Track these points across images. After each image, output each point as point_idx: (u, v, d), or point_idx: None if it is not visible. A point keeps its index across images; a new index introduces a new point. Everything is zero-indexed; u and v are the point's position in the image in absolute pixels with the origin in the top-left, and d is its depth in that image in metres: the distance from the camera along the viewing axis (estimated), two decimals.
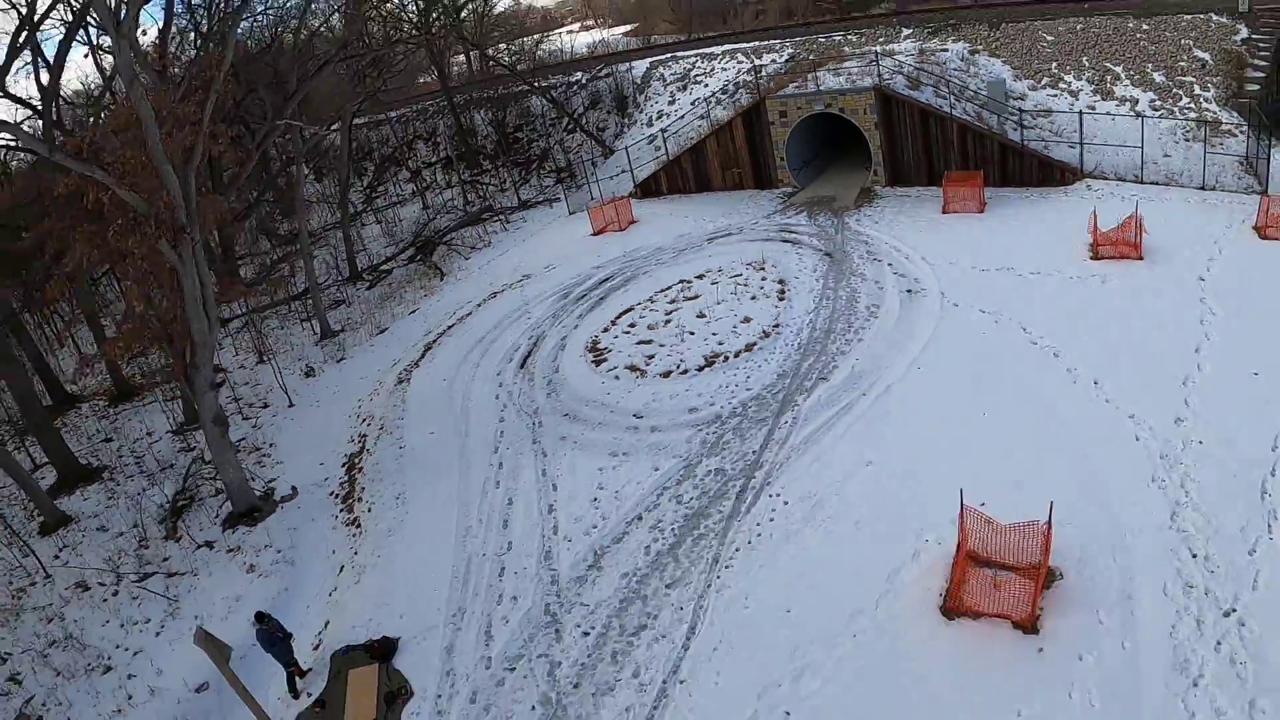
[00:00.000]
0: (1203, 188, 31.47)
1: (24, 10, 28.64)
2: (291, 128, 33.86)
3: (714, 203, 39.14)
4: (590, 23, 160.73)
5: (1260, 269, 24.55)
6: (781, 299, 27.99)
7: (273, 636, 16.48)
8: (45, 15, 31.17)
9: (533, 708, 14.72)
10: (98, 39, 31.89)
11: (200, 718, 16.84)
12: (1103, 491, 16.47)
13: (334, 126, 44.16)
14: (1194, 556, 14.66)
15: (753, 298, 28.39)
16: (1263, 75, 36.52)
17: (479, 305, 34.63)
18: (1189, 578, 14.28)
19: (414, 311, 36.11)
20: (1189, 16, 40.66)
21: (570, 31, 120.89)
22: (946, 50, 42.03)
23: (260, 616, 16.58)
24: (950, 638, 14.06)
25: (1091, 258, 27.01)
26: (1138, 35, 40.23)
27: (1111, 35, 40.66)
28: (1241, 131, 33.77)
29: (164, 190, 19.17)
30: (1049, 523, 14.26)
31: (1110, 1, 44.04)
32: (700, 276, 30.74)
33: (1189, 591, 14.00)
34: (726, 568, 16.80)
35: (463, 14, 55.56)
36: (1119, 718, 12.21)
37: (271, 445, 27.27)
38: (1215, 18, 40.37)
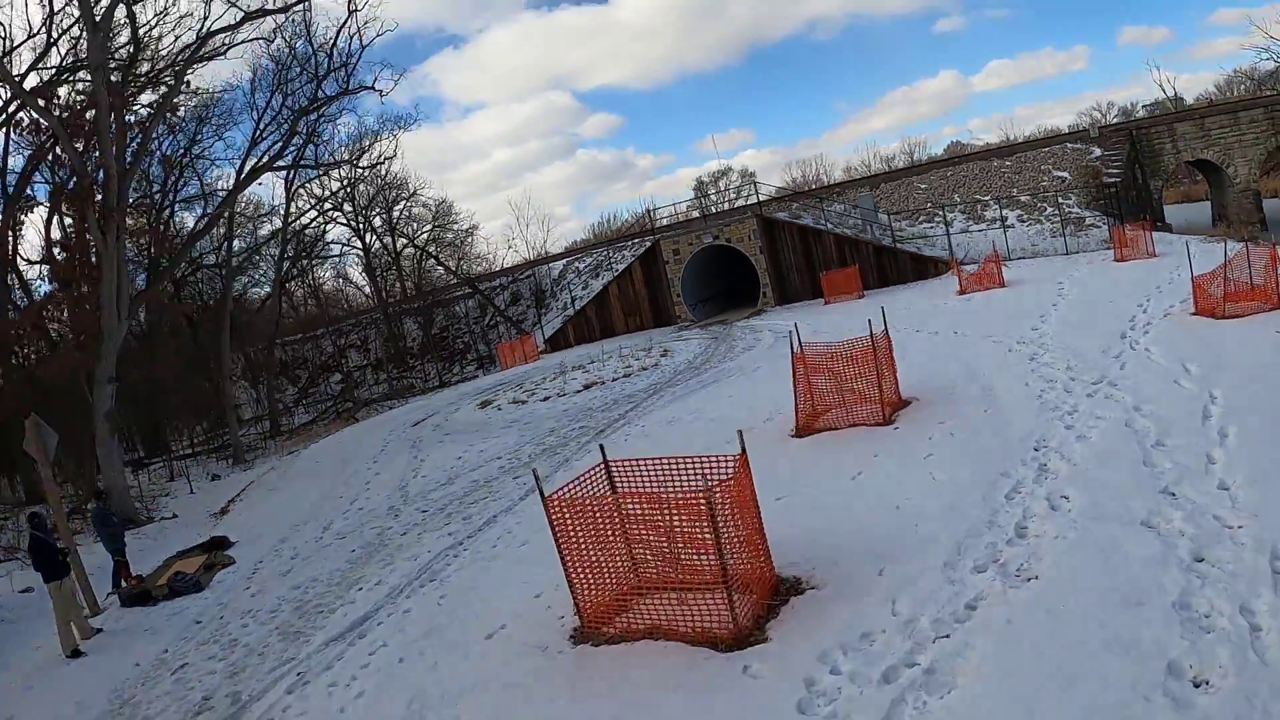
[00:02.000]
0: (1067, 254, 32.58)
1: None
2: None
3: (616, 341, 39.96)
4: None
5: (1109, 276, 25.20)
6: (664, 356, 28.70)
7: (108, 517, 15.48)
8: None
9: (352, 552, 14.88)
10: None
11: None
12: (979, 370, 16.35)
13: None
14: (1053, 377, 14.60)
15: (636, 359, 29.01)
16: (1118, 179, 39.07)
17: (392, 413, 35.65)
18: (1049, 378, 14.32)
19: (331, 434, 36.33)
20: (1046, 149, 44.02)
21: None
22: (832, 208, 44.72)
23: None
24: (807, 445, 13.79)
25: (960, 294, 27.50)
26: (1002, 171, 43.21)
27: (979, 175, 43.61)
28: (1103, 224, 35.61)
29: None
30: (885, 334, 14.34)
31: (977, 152, 47.78)
32: (591, 362, 31.25)
33: (1051, 384, 13.97)
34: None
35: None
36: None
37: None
38: (1070, 145, 43.72)
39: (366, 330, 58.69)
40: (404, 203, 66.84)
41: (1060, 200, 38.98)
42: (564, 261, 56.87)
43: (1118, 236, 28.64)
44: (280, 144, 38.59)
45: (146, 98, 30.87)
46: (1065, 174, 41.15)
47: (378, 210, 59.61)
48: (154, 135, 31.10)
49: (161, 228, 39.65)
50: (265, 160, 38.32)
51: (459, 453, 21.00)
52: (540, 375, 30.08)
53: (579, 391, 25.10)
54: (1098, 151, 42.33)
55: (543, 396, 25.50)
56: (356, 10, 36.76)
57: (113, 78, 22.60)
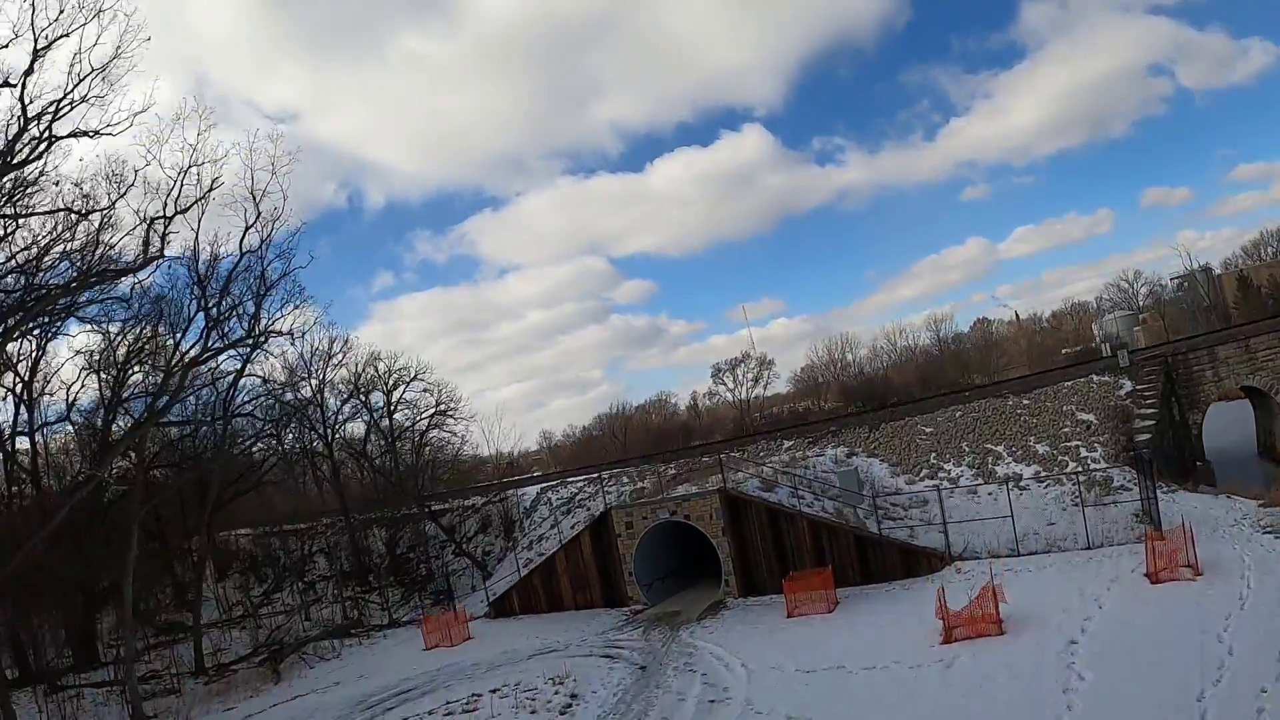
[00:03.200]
0: (1089, 546, 25.94)
1: None
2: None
3: (557, 621, 34.00)
4: (551, 470, 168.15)
5: (1143, 614, 18.66)
6: (563, 713, 21.87)
7: None
8: None
9: None
10: None
11: None
12: None
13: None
14: None
15: (533, 712, 22.35)
16: (1153, 422, 32.83)
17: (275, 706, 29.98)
18: None
19: (230, 710, 30.68)
20: (1069, 383, 38.06)
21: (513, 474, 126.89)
22: (822, 455, 38.79)
23: None
24: None
25: (943, 641, 20.90)
26: (1019, 412, 37.16)
27: (991, 416, 37.56)
28: (1134, 484, 29.15)
29: None
30: None
31: (990, 384, 41.84)
32: (494, 690, 25.09)
33: None
34: None
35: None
36: None
37: None
38: (1097, 378, 37.77)
39: (337, 535, 55.09)
40: (402, 388, 65.82)
41: (1084, 452, 32.68)
42: (538, 488, 53.06)
43: (1150, 545, 22.08)
44: (168, 399, 34.17)
45: None
46: (1091, 417, 34.91)
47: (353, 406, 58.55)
48: None
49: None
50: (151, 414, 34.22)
51: None
52: (441, 689, 25.85)
53: None
54: (1128, 385, 36.20)
55: None
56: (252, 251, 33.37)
57: None
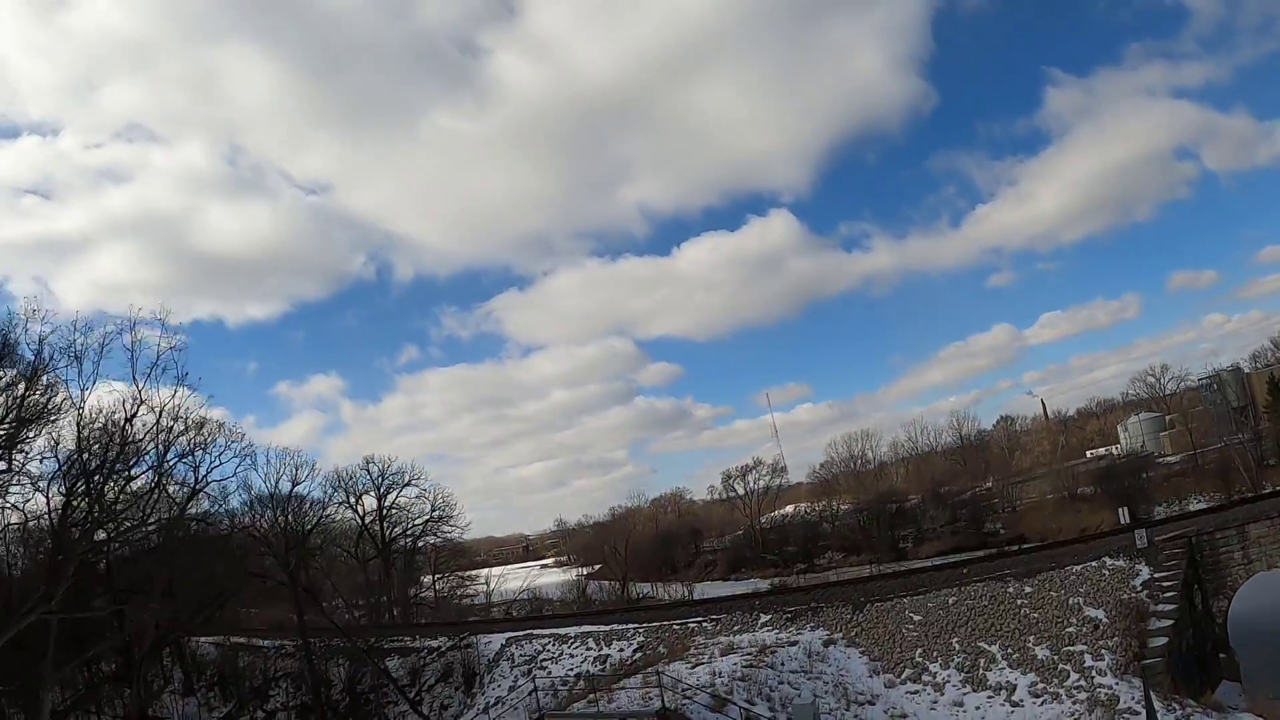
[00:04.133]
0: None
1: None
2: None
3: None
4: (564, 559, 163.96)
5: None
6: None
7: None
8: None
9: None
10: None
11: None
12: None
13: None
14: None
15: None
16: (1170, 622, 28.53)
17: None
18: None
19: None
20: (1078, 567, 33.58)
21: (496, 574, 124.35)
22: (796, 643, 34.46)
23: None
24: None
25: None
26: (1019, 602, 32.74)
27: (987, 606, 33.16)
28: (1141, 709, 24.73)
29: None
30: None
31: (990, 562, 37.49)
32: None
33: None
34: None
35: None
36: None
37: None
38: (1110, 561, 33.28)
39: (304, 660, 52.05)
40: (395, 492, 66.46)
41: (1089, 660, 28.30)
42: (504, 637, 49.15)
43: None
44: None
45: None
46: (1100, 613, 30.40)
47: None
48: None
49: None
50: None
51: None
52: None
53: None
54: (1145, 573, 31.70)
55: None
56: None
57: None
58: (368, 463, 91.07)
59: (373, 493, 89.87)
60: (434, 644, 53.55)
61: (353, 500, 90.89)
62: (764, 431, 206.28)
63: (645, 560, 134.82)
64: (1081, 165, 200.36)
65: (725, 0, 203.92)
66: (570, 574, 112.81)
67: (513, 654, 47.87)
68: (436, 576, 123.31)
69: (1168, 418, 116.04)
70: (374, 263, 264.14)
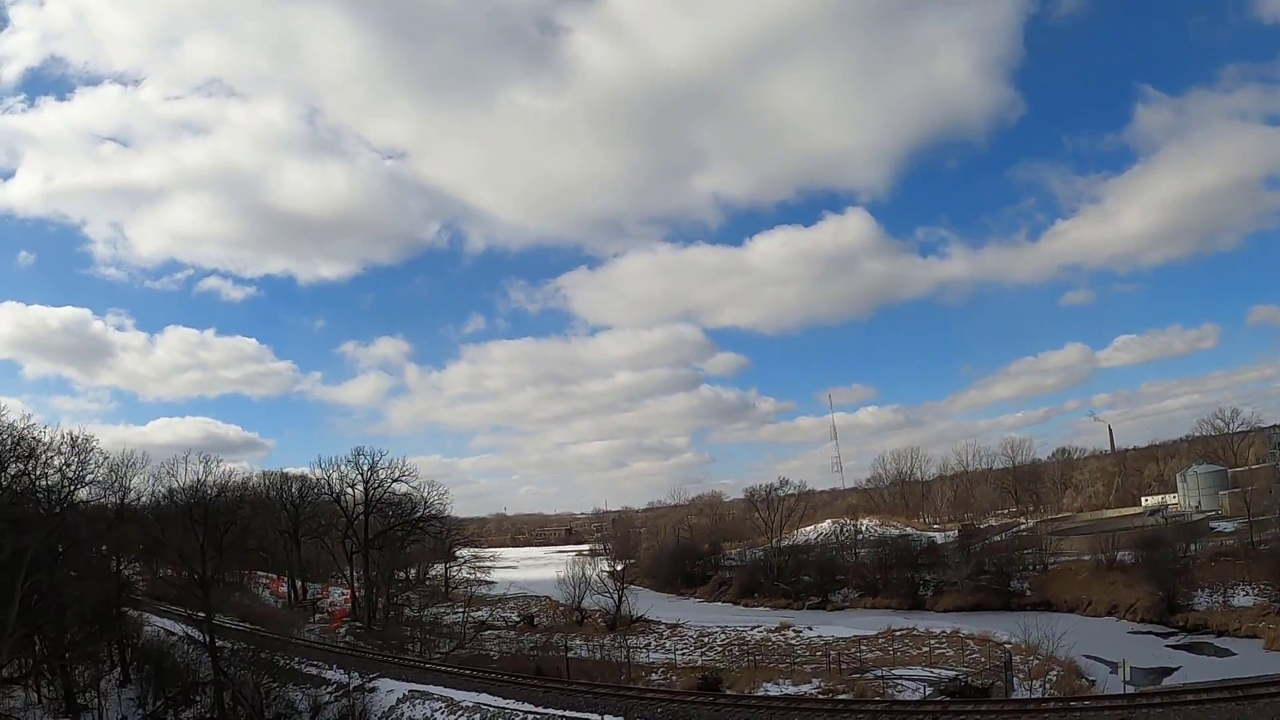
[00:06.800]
0: None
1: None
2: None
3: None
4: (599, 548, 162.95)
5: None
6: None
7: None
8: None
9: None
10: None
11: None
12: None
13: None
14: None
15: None
16: None
17: None
18: None
19: None
20: None
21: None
22: None
23: None
24: None
25: None
26: None
27: None
28: None
29: None
30: None
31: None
32: None
33: None
34: None
35: None
36: None
37: None
38: None
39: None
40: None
41: None
42: (407, 687, 46.53)
43: None
44: None
45: None
46: None
47: None
48: None
49: None
50: None
51: None
52: None
53: None
54: None
55: None
56: None
57: None
58: (357, 454, 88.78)
59: (360, 485, 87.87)
60: (342, 680, 51.22)
61: (342, 489, 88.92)
62: (826, 431, 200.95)
63: (667, 568, 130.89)
64: (1168, 187, 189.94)
65: None
66: (594, 566, 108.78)
67: (403, 714, 45.08)
68: (449, 564, 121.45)
69: (1230, 473, 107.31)
70: (447, 232, 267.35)
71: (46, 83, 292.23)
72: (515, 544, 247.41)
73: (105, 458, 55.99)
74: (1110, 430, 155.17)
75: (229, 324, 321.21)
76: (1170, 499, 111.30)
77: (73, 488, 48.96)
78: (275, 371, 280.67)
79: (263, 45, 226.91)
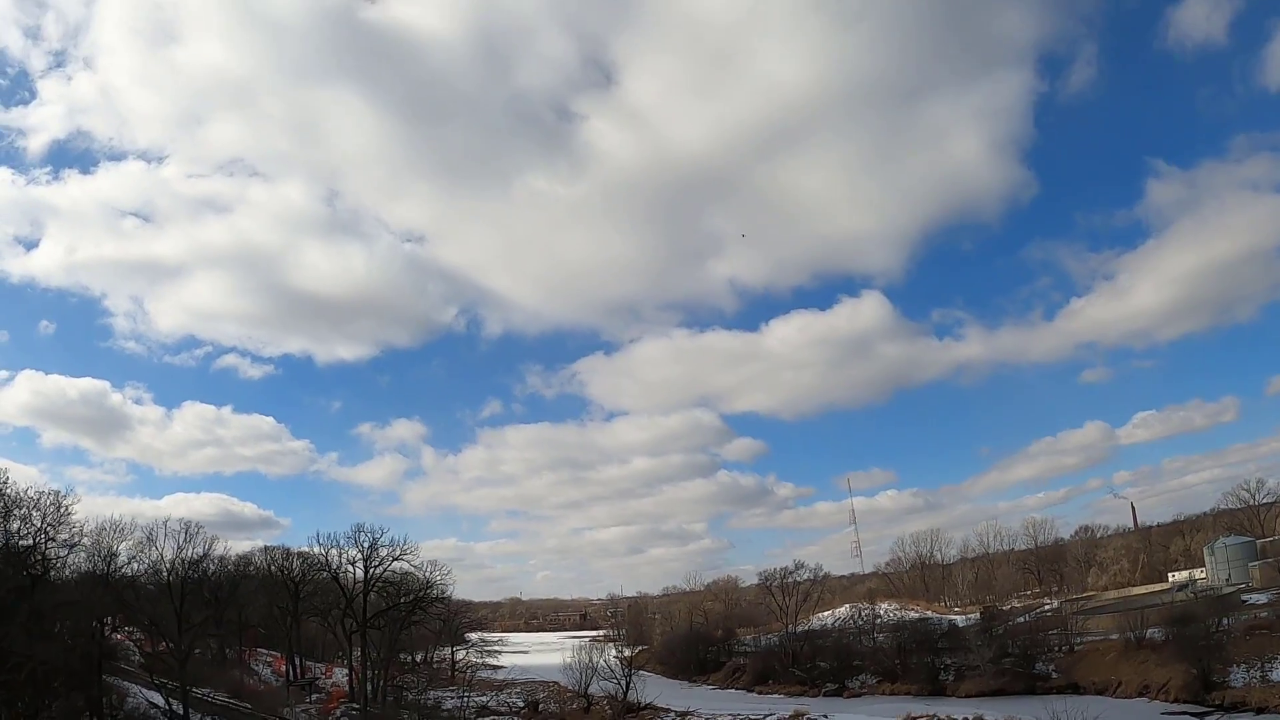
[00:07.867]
0: None
1: None
2: None
3: None
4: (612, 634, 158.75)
5: None
6: None
7: None
8: None
9: None
10: None
11: None
12: None
13: None
14: None
15: None
16: None
17: None
18: None
19: None
20: None
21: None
22: None
23: None
24: None
25: None
26: None
27: None
28: None
29: None
30: None
31: None
32: None
33: None
34: None
35: None
36: None
37: None
38: None
39: None
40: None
41: None
42: None
43: None
44: None
45: None
46: None
47: None
48: None
49: None
50: None
51: None
52: None
53: None
54: None
55: None
56: None
57: None
58: (357, 531, 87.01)
59: (360, 563, 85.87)
60: None
61: (342, 565, 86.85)
62: (845, 516, 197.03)
63: (679, 653, 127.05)
64: (1182, 261, 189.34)
65: (821, 78, 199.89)
66: (603, 652, 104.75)
67: None
68: (455, 648, 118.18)
69: (1259, 543, 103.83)
70: (465, 315, 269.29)
71: (71, 156, 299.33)
72: (529, 629, 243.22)
73: (81, 525, 54.77)
74: (1133, 507, 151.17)
75: (246, 402, 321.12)
76: (1198, 573, 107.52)
77: (47, 541, 47.62)
78: (292, 450, 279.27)
79: (284, 126, 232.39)
